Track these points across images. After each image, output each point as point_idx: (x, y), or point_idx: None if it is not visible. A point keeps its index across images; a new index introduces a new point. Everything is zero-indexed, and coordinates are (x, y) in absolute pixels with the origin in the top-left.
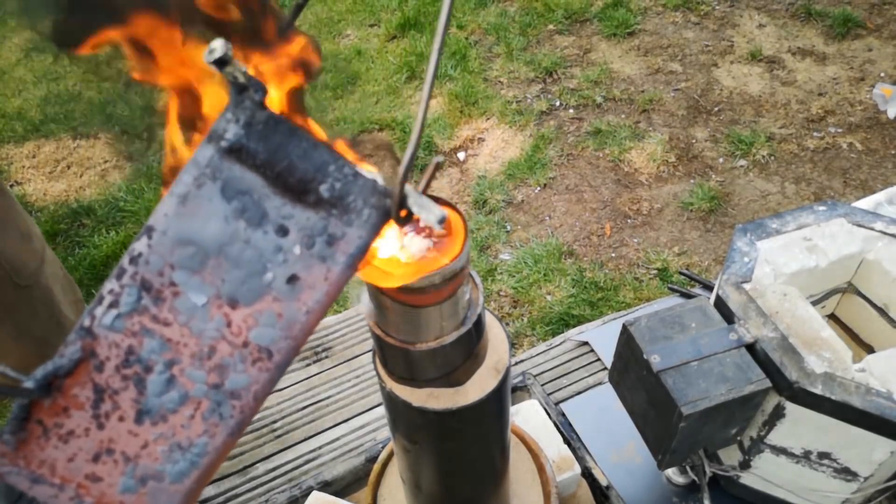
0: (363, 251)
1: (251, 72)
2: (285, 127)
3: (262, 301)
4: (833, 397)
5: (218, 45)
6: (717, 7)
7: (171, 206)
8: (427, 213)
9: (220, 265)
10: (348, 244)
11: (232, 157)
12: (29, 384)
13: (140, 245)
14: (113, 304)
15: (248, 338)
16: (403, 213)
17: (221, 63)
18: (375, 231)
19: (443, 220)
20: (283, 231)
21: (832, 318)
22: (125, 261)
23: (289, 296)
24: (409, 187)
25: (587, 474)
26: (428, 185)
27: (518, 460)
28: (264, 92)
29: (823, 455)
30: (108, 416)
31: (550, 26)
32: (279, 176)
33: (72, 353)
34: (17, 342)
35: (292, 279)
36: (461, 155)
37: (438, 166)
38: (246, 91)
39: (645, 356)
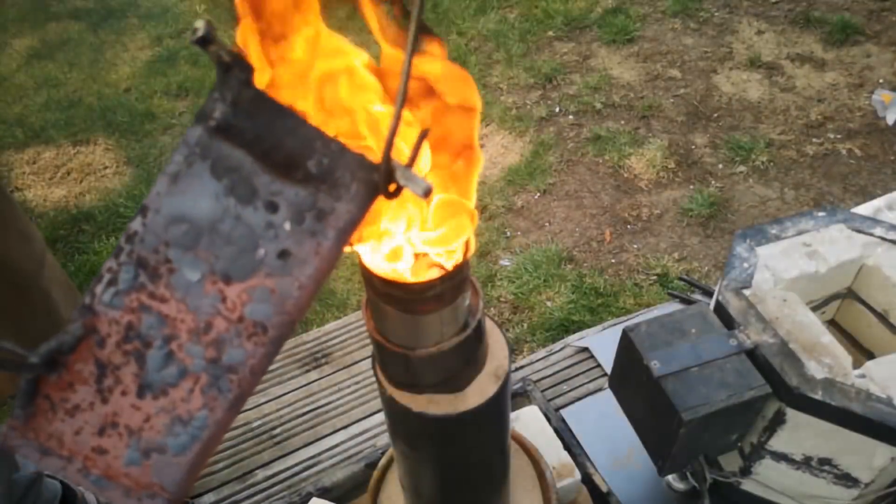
0: (353, 225)
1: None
2: (271, 105)
3: (255, 277)
4: (833, 403)
5: (200, 25)
6: (716, 14)
7: (164, 186)
8: (414, 185)
9: (212, 242)
10: (338, 219)
11: (220, 135)
12: (34, 360)
13: (135, 224)
14: (111, 282)
15: (243, 313)
16: (392, 187)
17: (204, 42)
18: (364, 205)
19: (428, 193)
20: (272, 207)
21: (832, 323)
22: (122, 239)
23: (281, 271)
24: (395, 160)
25: (587, 480)
26: (415, 157)
27: (518, 466)
28: (250, 70)
29: (824, 461)
30: (112, 390)
31: (550, 33)
32: (267, 153)
33: (74, 330)
34: (15, 343)
35: (283, 254)
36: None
37: (424, 136)
38: (231, 70)
39: (645, 362)
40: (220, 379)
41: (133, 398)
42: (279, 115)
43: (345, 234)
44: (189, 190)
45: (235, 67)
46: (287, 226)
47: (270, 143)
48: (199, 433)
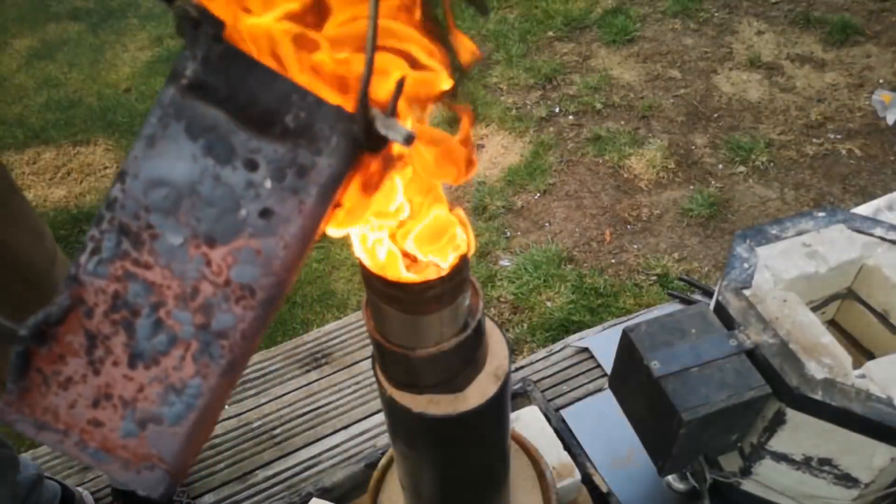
0: (336, 181)
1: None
2: (243, 59)
3: (239, 238)
4: (833, 403)
5: None
6: (716, 14)
7: (140, 149)
8: (395, 133)
9: (193, 204)
10: (319, 174)
11: (193, 94)
12: (22, 332)
13: (115, 190)
14: (95, 251)
15: (230, 276)
16: (375, 138)
17: None
18: (347, 159)
19: (410, 140)
20: (252, 165)
21: (832, 323)
22: (103, 207)
23: (265, 231)
24: (375, 110)
25: (587, 481)
26: (395, 105)
27: (518, 467)
28: (220, 25)
29: (824, 461)
30: (103, 361)
31: (550, 33)
32: (242, 109)
33: (61, 301)
34: None
35: (266, 213)
36: None
37: (402, 84)
38: (200, 26)
39: (645, 362)
40: (210, 345)
41: (125, 368)
42: (252, 69)
43: (328, 191)
44: (166, 152)
45: (204, 23)
46: (268, 184)
47: (245, 99)
48: (193, 401)
